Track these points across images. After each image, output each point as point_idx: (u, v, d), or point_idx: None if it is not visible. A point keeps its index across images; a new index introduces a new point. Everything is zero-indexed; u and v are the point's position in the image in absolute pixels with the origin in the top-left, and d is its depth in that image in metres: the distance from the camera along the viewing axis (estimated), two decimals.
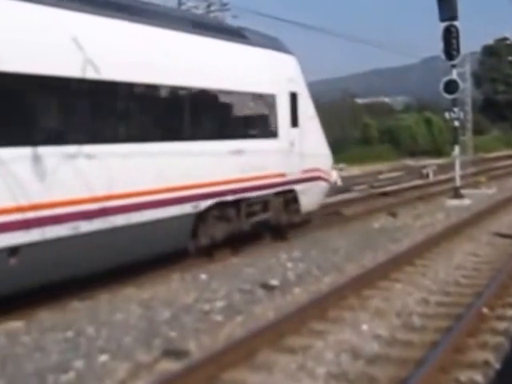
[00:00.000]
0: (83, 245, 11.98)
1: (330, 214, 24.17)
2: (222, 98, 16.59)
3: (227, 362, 8.69)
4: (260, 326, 10.18)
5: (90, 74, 12.26)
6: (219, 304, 12.05)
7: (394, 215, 23.97)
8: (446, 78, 29.41)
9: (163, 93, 14.71)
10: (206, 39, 16.16)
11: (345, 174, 42.20)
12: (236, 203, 16.55)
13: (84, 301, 12.49)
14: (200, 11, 58.87)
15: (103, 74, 12.51)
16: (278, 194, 18.30)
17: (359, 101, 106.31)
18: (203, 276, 14.55)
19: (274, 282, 13.60)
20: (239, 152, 16.45)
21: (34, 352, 9.64)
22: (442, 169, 44.65)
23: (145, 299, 12.58)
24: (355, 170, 50.43)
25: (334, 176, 22.57)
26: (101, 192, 12.18)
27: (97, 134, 12.59)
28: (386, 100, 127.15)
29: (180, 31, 15.31)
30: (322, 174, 20.60)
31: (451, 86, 29.11)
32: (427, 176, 42.62)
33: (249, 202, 17.06)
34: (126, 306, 12.04)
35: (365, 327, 10.48)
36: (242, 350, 9.12)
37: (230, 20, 46.32)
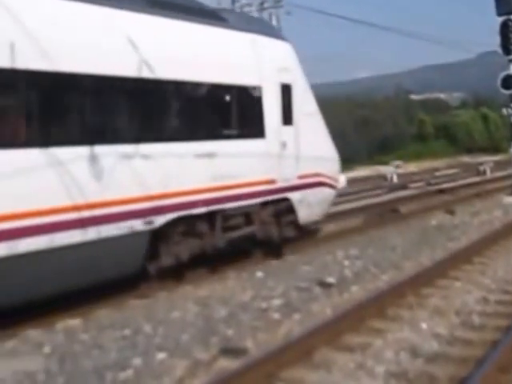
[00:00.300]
0: None
1: (387, 212, 23.95)
2: (187, 92, 13.83)
3: (285, 360, 8.62)
4: (318, 324, 10.09)
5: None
6: (276, 302, 11.99)
7: (451, 212, 23.67)
8: (503, 74, 28.93)
9: (103, 86, 11.89)
10: (164, 20, 13.48)
11: (401, 171, 41.88)
12: (209, 216, 14.04)
13: (141, 299, 12.56)
14: (253, 8, 58.99)
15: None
16: (266, 203, 15.81)
17: (414, 97, 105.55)
18: (259, 274, 14.53)
19: (331, 280, 13.50)
20: (210, 156, 13.93)
21: (92, 349, 9.69)
22: (499, 165, 44.15)
23: (201, 297, 12.60)
24: (411, 167, 50.05)
25: (342, 181, 19.27)
26: None
27: None
28: (442, 96, 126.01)
29: (130, 10, 12.73)
30: (326, 180, 18.08)
31: (509, 82, 28.62)
32: (484, 173, 42.16)
33: (225, 214, 14.46)
34: (182, 304, 12.07)
35: (424, 326, 10.32)
36: (300, 348, 9.04)
37: (283, 17, 46.13)
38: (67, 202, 10.81)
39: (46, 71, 10.75)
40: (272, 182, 15.85)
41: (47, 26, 10.96)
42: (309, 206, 17.19)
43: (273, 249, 16.51)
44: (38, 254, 10.33)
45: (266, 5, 56.09)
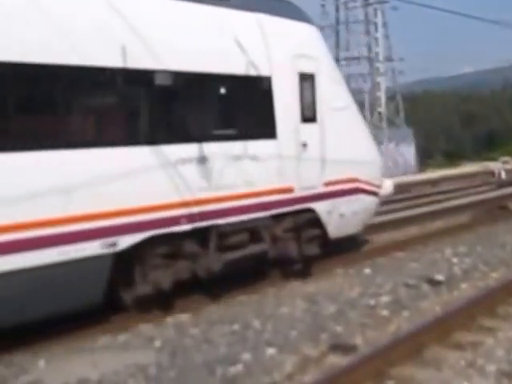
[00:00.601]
0: None
1: (496, 209, 23.47)
2: (169, 84, 11.22)
3: (394, 357, 8.56)
4: (427, 322, 10.00)
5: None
6: (384, 299, 11.93)
7: None
8: None
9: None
10: None
11: (509, 167, 40.99)
12: (200, 234, 11.69)
13: (249, 294, 12.66)
14: (358, 4, 58.80)
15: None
16: (280, 216, 13.29)
17: None
18: (367, 270, 14.48)
19: (440, 277, 13.33)
20: (198, 161, 11.51)
21: (202, 344, 9.85)
22: None
23: (309, 293, 12.62)
24: None
25: (388, 187, 16.62)
26: None
27: None
28: None
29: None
30: (364, 186, 15.44)
31: None
32: None
33: (221, 230, 11.98)
34: (290, 300, 12.12)
35: None
36: (410, 346, 8.97)
37: (388, 13, 45.80)
38: None
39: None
40: (288, 190, 13.29)
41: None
42: (341, 218, 14.73)
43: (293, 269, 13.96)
44: None
45: (371, 0, 55.75)
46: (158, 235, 10.86)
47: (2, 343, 9.36)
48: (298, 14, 14.48)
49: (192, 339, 10.12)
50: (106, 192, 10.03)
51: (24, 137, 9.28)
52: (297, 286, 13.33)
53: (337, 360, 8.84)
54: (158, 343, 9.99)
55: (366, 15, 63.07)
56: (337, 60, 73.83)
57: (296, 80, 13.69)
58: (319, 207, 14.08)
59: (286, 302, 12.00)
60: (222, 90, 12.34)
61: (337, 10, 69.26)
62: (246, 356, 9.13)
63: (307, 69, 14.01)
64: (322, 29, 71.72)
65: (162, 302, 11.43)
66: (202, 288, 12.04)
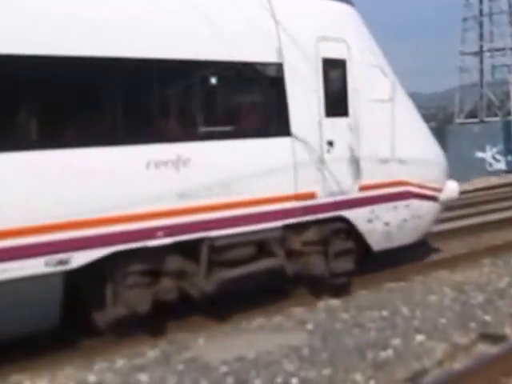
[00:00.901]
0: None
1: None
2: (132, 74, 9.52)
3: None
4: None
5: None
6: None
7: None
8: None
9: None
10: None
11: None
12: (190, 248, 9.99)
13: (398, 282, 12.89)
14: None
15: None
16: (300, 226, 11.35)
17: None
18: None
19: None
20: (175, 163, 9.62)
21: (353, 328, 10.15)
22: None
23: (457, 282, 12.70)
24: None
25: (452, 190, 14.01)
26: None
27: None
28: None
29: None
30: (418, 190, 13.07)
31: None
32: None
33: (215, 244, 10.16)
34: (439, 289, 12.27)
35: None
36: None
37: None
38: None
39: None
40: (309, 196, 11.30)
41: None
42: (387, 227, 12.57)
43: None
44: None
45: None
46: (120, 251, 9.18)
47: (166, 322, 10.08)
48: None
49: (343, 323, 10.44)
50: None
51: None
52: (444, 275, 13.42)
53: (486, 348, 8.94)
54: (309, 326, 10.36)
55: (510, 6, 61.59)
56: (480, 51, 72.34)
57: (319, 67, 11.60)
58: (354, 215, 11.98)
59: (434, 291, 12.15)
60: (214, 81, 10.54)
61: (480, 1, 67.96)
62: (396, 341, 9.37)
63: (334, 54, 11.86)
64: (464, 21, 70.66)
65: (312, 288, 11.82)
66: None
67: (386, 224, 12.52)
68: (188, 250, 9.94)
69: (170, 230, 9.56)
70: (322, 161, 11.45)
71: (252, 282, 10.94)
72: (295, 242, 11.40)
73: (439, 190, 13.62)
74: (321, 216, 11.50)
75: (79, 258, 8.75)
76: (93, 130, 9.17)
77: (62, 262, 8.60)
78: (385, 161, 12.48)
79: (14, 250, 8.22)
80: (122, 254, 9.20)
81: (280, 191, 10.86)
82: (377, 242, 12.49)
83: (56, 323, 8.79)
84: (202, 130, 10.23)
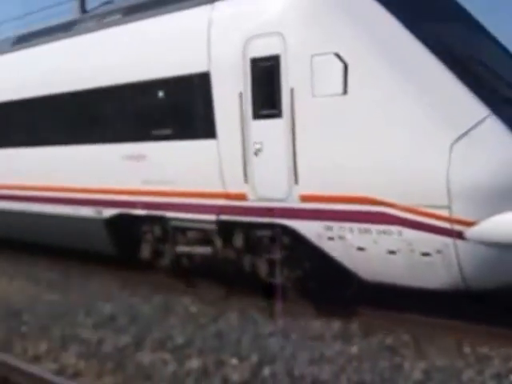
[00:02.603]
0: None
1: None
2: None
3: None
4: None
5: None
6: None
7: None
8: None
9: None
10: None
11: None
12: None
13: None
14: None
15: None
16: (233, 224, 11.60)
17: None
18: None
19: None
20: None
21: None
22: None
23: None
24: None
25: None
26: None
27: None
28: None
29: None
30: (393, 212, 9.28)
31: None
32: None
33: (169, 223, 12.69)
34: None
35: None
36: None
37: None
38: None
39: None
40: (239, 196, 11.22)
41: None
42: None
43: None
44: None
45: None
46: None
47: None
48: None
49: None
50: None
51: None
52: None
53: None
54: None
55: None
56: None
57: (247, 68, 10.91)
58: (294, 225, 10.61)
59: None
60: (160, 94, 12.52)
61: None
62: None
63: (264, 51, 10.68)
64: None
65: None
66: None
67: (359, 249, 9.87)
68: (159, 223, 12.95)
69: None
70: (250, 163, 10.93)
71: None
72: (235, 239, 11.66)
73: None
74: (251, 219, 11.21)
75: (106, 213, 13.76)
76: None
77: (99, 212, 13.91)
78: (339, 169, 9.86)
79: (80, 201, 14.26)
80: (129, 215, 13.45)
81: (211, 188, 11.58)
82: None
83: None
84: (153, 132, 12.65)
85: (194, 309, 11.70)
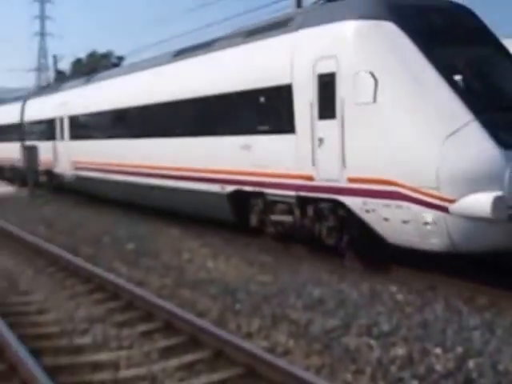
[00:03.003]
0: None
1: None
2: None
3: None
4: None
5: None
6: None
7: None
8: None
9: None
10: None
11: None
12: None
13: None
14: None
15: None
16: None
17: None
18: None
19: None
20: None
21: None
22: None
23: None
24: None
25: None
26: None
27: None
28: None
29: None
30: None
31: None
32: None
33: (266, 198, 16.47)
34: None
35: None
36: None
37: None
38: None
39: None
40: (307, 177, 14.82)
41: None
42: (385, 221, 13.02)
43: None
44: None
45: None
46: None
47: None
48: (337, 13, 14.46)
49: None
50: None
51: None
52: None
53: None
54: None
55: None
56: None
57: (314, 81, 14.39)
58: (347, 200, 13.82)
59: None
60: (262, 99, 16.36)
61: None
62: None
63: (325, 69, 14.09)
64: None
65: None
66: None
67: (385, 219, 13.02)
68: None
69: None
70: (315, 153, 14.38)
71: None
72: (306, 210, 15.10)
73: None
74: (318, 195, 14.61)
75: (227, 189, 17.53)
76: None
77: (223, 188, 17.72)
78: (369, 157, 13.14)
79: (209, 180, 18.36)
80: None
81: (292, 171, 15.12)
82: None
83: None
84: (256, 128, 16.53)
85: (400, 297, 11.81)
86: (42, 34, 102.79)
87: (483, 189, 11.33)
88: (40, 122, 33.88)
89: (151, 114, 22.11)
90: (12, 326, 10.02)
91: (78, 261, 14.63)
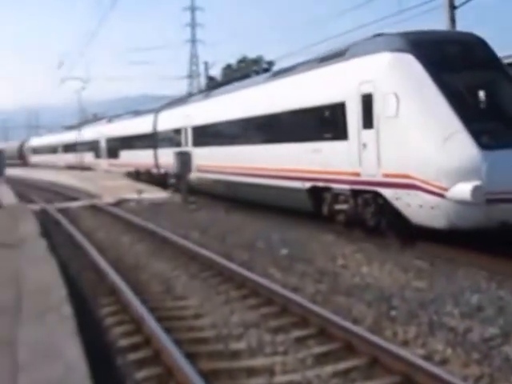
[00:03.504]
0: None
1: None
2: None
3: None
4: None
5: None
6: None
7: None
8: None
9: None
10: None
11: None
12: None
13: None
14: None
15: None
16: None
17: None
18: None
19: None
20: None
21: None
22: None
23: None
24: None
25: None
26: None
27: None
28: None
29: None
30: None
31: None
32: None
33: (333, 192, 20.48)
34: None
35: None
36: None
37: None
38: None
39: None
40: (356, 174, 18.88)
41: None
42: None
43: None
44: None
45: None
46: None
47: None
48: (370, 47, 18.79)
49: None
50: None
51: None
52: None
53: None
54: None
55: None
56: None
57: (359, 99, 18.53)
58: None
59: None
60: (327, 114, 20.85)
61: None
62: None
63: (366, 91, 18.24)
64: None
65: None
66: None
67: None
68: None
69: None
70: (361, 155, 18.43)
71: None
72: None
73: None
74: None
75: (306, 185, 21.62)
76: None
77: (303, 185, 21.87)
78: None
79: (292, 178, 22.54)
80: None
81: (346, 169, 19.17)
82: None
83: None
84: (322, 135, 20.81)
85: None
86: (193, 42, 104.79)
87: (467, 179, 15.09)
88: (169, 132, 38.95)
89: (252, 126, 27.01)
90: (168, 330, 10.21)
91: (232, 266, 14.76)
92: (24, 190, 43.41)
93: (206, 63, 67.27)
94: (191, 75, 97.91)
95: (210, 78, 71.07)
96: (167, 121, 39.79)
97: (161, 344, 9.49)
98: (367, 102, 18.04)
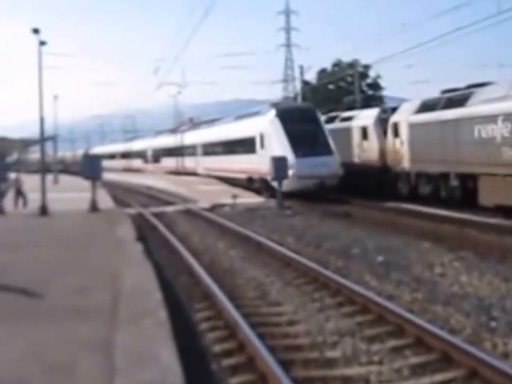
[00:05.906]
0: None
1: None
2: None
3: None
4: None
5: None
6: None
7: None
8: None
9: None
10: None
11: None
12: None
13: None
14: None
15: None
16: None
17: None
18: None
19: None
20: None
21: None
22: None
23: None
24: None
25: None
26: None
27: None
28: None
29: None
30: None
31: None
32: None
33: None
34: None
35: None
36: None
37: None
38: None
39: None
40: None
41: None
42: None
43: None
44: None
45: None
46: None
47: None
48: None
49: None
50: None
51: None
52: None
53: None
54: None
55: None
56: None
57: (259, 135, 39.67)
58: None
59: None
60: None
61: None
62: None
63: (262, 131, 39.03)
64: None
65: None
66: None
67: None
68: None
69: None
70: (260, 161, 39.16)
71: None
72: None
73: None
74: None
75: (245, 176, 43.24)
76: None
77: (244, 175, 43.03)
78: None
79: None
80: None
81: (256, 168, 39.57)
82: None
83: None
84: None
85: None
86: (288, 46, 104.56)
87: (291, 169, 33.52)
88: (188, 147, 61.78)
89: (220, 145, 49.11)
90: (263, 337, 10.15)
91: (328, 273, 14.62)
92: (121, 194, 44.18)
93: (301, 67, 66.97)
94: (286, 79, 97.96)
95: (305, 83, 70.93)
96: (188, 138, 63.03)
97: (255, 350, 9.44)
98: (262, 136, 38.37)
